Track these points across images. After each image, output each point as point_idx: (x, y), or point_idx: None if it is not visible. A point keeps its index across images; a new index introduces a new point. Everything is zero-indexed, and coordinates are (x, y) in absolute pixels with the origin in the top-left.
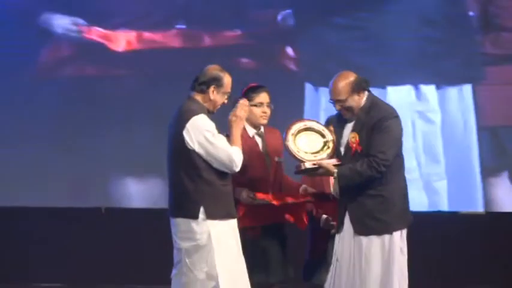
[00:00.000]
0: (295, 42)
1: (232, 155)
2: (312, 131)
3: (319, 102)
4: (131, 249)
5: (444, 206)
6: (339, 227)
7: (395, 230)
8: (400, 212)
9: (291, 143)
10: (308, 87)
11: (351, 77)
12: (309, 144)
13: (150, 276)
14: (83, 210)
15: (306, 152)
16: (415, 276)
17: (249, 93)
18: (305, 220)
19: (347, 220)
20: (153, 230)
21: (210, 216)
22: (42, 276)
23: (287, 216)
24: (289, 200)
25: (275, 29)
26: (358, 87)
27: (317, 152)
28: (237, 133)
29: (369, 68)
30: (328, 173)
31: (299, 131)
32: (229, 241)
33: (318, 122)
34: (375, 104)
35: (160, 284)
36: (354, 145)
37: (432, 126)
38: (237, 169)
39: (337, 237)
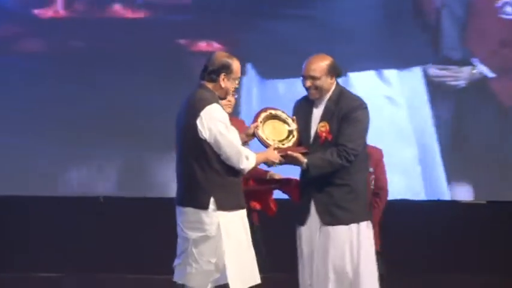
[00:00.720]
0: (248, 36)
1: (242, 152)
2: (277, 119)
3: (276, 96)
4: (131, 239)
5: (421, 192)
6: (304, 218)
7: (362, 220)
8: (365, 203)
9: (259, 130)
10: (262, 82)
11: (329, 59)
12: (275, 132)
13: (150, 266)
14: (80, 199)
15: (273, 140)
16: (414, 265)
17: None
18: (273, 206)
19: (313, 210)
20: (153, 219)
21: (220, 207)
22: (41, 266)
23: (252, 203)
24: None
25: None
26: (333, 71)
27: (283, 141)
28: (261, 157)
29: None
30: (297, 162)
31: (266, 119)
32: (239, 232)
33: (282, 111)
34: (343, 94)
35: (161, 274)
36: (324, 134)
37: (399, 110)
38: (242, 166)
39: (302, 229)
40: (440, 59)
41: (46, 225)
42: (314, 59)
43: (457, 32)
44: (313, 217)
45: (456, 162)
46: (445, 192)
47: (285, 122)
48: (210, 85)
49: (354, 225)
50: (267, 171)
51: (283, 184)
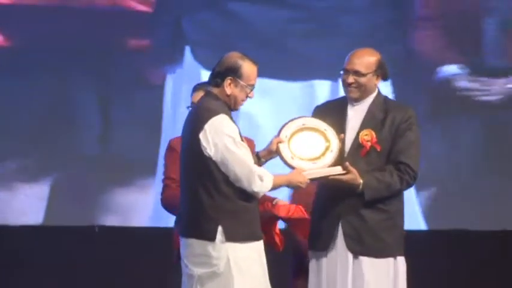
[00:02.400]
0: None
1: (254, 172)
2: (312, 130)
3: None
4: (129, 273)
5: None
6: (326, 244)
7: (399, 254)
8: (402, 234)
9: (284, 147)
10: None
11: (378, 55)
12: (307, 148)
13: None
14: (73, 229)
15: (302, 159)
16: None
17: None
18: (278, 241)
19: (340, 235)
20: (156, 251)
21: (229, 238)
22: None
23: None
24: None
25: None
26: (381, 70)
27: (316, 159)
28: (283, 180)
29: (313, 57)
30: (346, 183)
31: (296, 131)
32: (253, 268)
33: (320, 121)
34: (389, 100)
35: None
36: (369, 144)
37: None
38: (256, 189)
39: (321, 258)
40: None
41: (33, 258)
42: (361, 52)
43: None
44: (339, 243)
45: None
46: None
47: (323, 134)
48: (216, 91)
49: (390, 260)
50: (273, 199)
51: (290, 219)
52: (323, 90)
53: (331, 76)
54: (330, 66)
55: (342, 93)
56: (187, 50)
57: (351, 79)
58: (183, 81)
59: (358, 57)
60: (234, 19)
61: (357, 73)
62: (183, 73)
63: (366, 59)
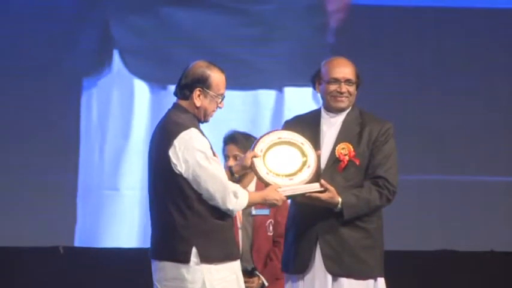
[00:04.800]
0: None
1: (228, 188)
2: (289, 145)
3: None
4: None
5: None
6: (305, 268)
7: (379, 275)
8: (382, 254)
9: (259, 162)
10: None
11: None
12: (283, 163)
13: None
14: (36, 250)
15: (277, 174)
16: None
17: None
18: None
19: (318, 257)
20: (124, 274)
21: (204, 259)
22: None
23: None
24: None
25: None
26: (359, 80)
27: (293, 174)
28: (258, 197)
29: (255, 64)
30: (323, 202)
31: (271, 145)
32: None
33: (297, 135)
34: (364, 112)
35: None
36: (346, 157)
37: None
38: (230, 207)
39: (299, 284)
40: None
41: None
42: (345, 60)
43: None
44: (317, 265)
45: None
46: None
47: (299, 149)
48: (184, 104)
49: (370, 282)
50: None
51: None
52: (267, 99)
53: (275, 84)
54: (274, 74)
55: (288, 103)
56: (116, 57)
57: (344, 88)
58: (111, 91)
59: (347, 66)
60: (169, 25)
61: (349, 82)
62: (110, 83)
63: (352, 68)
